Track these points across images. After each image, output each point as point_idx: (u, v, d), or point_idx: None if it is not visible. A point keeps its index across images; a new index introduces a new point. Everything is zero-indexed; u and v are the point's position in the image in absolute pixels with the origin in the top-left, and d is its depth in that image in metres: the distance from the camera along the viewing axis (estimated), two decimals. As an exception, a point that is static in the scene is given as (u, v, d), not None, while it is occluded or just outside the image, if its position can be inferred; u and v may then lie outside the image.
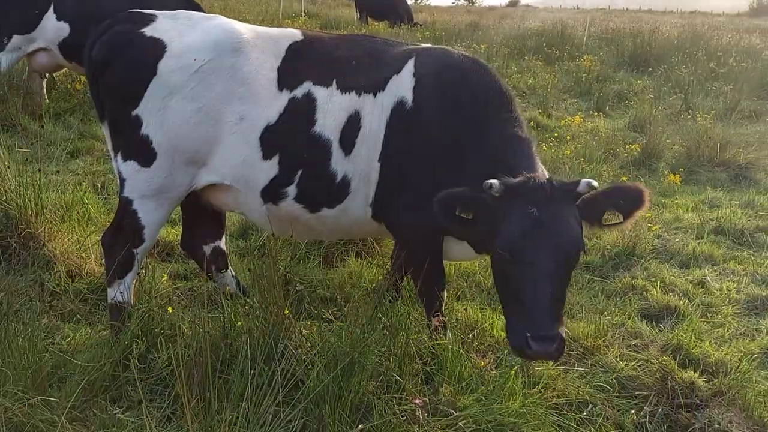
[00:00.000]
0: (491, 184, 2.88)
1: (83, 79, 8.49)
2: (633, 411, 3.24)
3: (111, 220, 3.65)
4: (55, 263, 4.08)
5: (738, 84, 11.88)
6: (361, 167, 3.37)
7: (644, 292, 4.53)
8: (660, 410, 3.27)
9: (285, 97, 3.33)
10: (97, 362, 3.07)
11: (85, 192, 5.08)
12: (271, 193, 3.40)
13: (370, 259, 4.72)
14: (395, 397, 2.93)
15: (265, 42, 3.41)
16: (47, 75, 8.48)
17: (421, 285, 3.55)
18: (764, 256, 5.32)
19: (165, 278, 3.95)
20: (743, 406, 3.31)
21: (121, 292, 3.47)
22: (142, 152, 3.32)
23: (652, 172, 7.56)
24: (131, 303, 3.49)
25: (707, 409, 3.25)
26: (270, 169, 3.35)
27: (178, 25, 3.38)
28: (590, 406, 3.26)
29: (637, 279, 4.76)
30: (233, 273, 4.12)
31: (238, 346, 3.08)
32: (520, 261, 2.81)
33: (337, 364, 2.86)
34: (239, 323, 3.24)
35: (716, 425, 3.15)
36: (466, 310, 4.03)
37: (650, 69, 14.42)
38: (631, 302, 4.40)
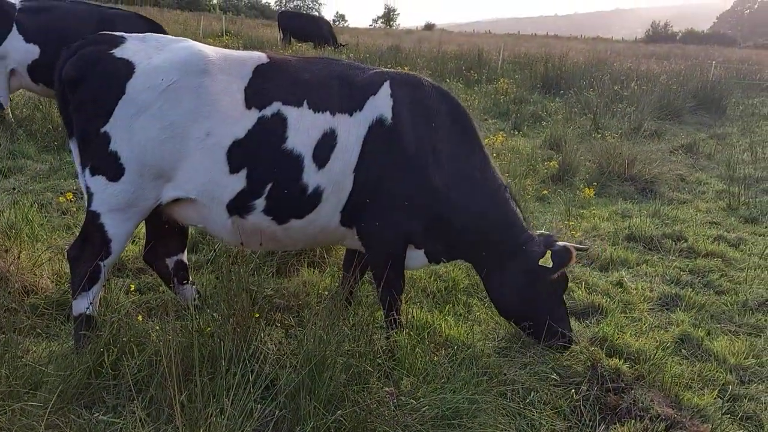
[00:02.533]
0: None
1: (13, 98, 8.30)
2: (572, 393, 3.62)
3: (78, 234, 3.68)
4: (9, 280, 4.06)
5: (640, 106, 12.94)
6: (334, 178, 3.56)
7: (571, 293, 4.98)
8: (591, 394, 3.64)
9: (254, 115, 3.46)
10: (69, 371, 3.14)
11: (29, 210, 5.04)
12: (238, 206, 3.52)
13: (323, 268, 4.94)
14: (364, 387, 3.18)
15: (232, 64, 3.53)
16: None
17: (383, 288, 3.83)
18: (671, 259, 5.95)
19: (132, 288, 4.03)
20: (661, 386, 3.76)
21: (87, 304, 3.52)
22: (111, 167, 3.40)
23: (570, 186, 8.20)
24: (96, 315, 3.55)
25: (632, 391, 3.67)
26: (237, 182, 3.47)
27: (147, 47, 3.48)
28: (532, 393, 3.61)
29: (565, 281, 5.22)
30: (195, 285, 4.23)
31: (210, 350, 3.23)
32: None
33: (309, 361, 3.08)
34: (208, 329, 3.38)
35: (640, 404, 3.56)
36: (417, 311, 4.31)
37: (561, 91, 15.44)
38: (560, 302, 4.84)
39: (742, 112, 15.47)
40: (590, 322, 4.57)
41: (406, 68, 16.04)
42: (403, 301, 4.00)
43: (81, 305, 3.53)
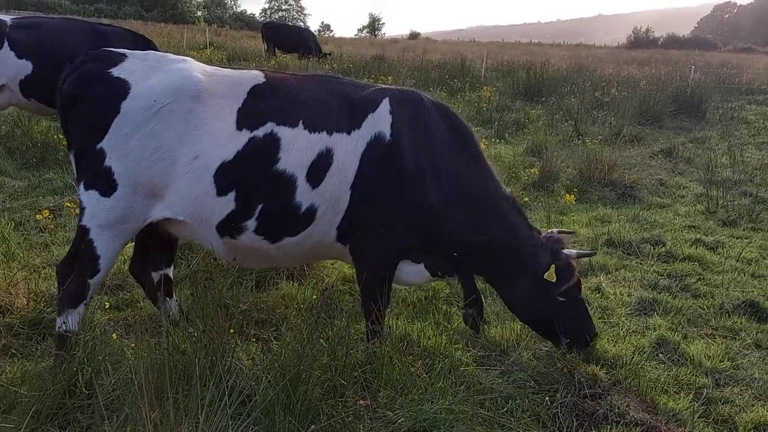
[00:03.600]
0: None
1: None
2: (549, 401, 3.64)
3: (67, 251, 3.70)
4: (-17, 299, 4.03)
5: (621, 111, 13.07)
6: (329, 196, 3.58)
7: (550, 300, 5.01)
8: (569, 400, 3.66)
9: (244, 136, 3.49)
10: (43, 391, 3.12)
11: (5, 228, 5.01)
12: (228, 227, 3.55)
13: (302, 281, 4.94)
14: (340, 401, 3.18)
15: (226, 86, 3.58)
16: None
17: (369, 302, 3.83)
18: (650, 263, 6.01)
19: (107, 306, 4.02)
20: (638, 391, 3.79)
21: (70, 321, 3.52)
22: (104, 183, 3.45)
23: (550, 193, 8.26)
24: (76, 332, 3.53)
25: (608, 397, 3.70)
26: (225, 205, 3.49)
27: (144, 67, 3.55)
28: (510, 401, 3.63)
29: (543, 288, 5.25)
30: (177, 300, 4.22)
31: (184, 367, 3.23)
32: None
33: (284, 376, 3.08)
34: (184, 345, 3.38)
35: (616, 410, 3.58)
36: (395, 322, 4.33)
37: (543, 99, 15.56)
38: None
39: (722, 115, 15.64)
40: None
41: (389, 78, 16.16)
42: (386, 315, 4.01)
43: (66, 324, 3.53)
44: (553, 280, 3.78)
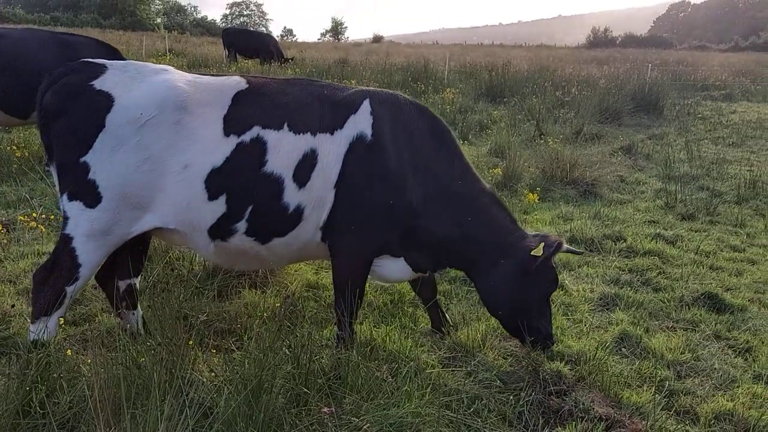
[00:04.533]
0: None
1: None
2: (515, 399, 3.65)
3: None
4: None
5: (581, 110, 13.29)
6: (315, 196, 3.65)
7: (515, 299, 5.04)
8: (534, 398, 3.68)
9: (232, 141, 3.52)
10: (-6, 413, 3.00)
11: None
12: (219, 230, 3.59)
13: (265, 289, 4.88)
14: (304, 409, 3.14)
15: (210, 94, 3.59)
16: None
17: (343, 298, 3.85)
18: (611, 259, 6.10)
19: (62, 322, 3.88)
20: (602, 386, 3.82)
21: (44, 330, 3.47)
22: (89, 194, 3.41)
23: (514, 193, 8.33)
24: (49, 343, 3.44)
25: (573, 393, 3.73)
26: (216, 208, 3.53)
27: (126, 78, 3.50)
28: (477, 401, 3.63)
29: (508, 287, 5.28)
30: (140, 312, 4.12)
31: (142, 381, 3.14)
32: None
33: (245, 386, 3.02)
34: (142, 359, 3.30)
35: (581, 405, 3.61)
36: (360, 327, 4.29)
37: (505, 99, 15.74)
38: (504, 308, 4.89)
39: (678, 112, 16.04)
40: (533, 327, 4.62)
41: (353, 81, 16.13)
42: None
43: (39, 332, 3.48)
44: (540, 254, 3.79)
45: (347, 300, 3.84)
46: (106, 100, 3.40)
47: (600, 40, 72.13)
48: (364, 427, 3.10)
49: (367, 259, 3.93)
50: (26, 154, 8.14)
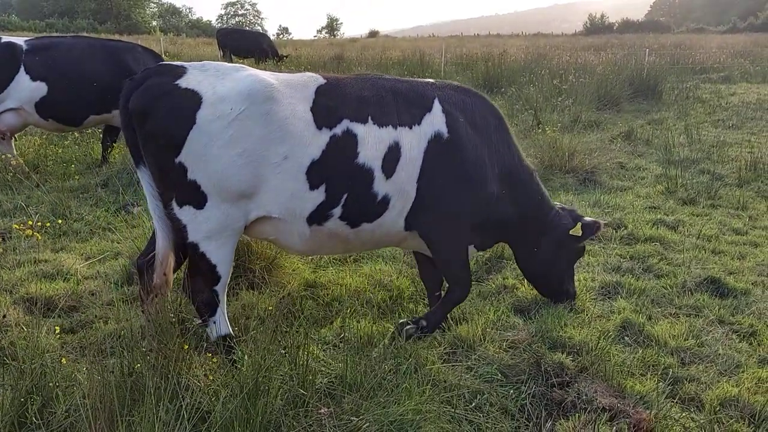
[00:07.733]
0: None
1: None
2: (517, 392, 3.61)
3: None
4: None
5: (579, 98, 13.19)
6: (400, 187, 3.86)
7: (514, 290, 5.01)
8: (537, 391, 3.65)
9: (326, 134, 3.63)
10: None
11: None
12: (317, 216, 3.74)
13: (263, 289, 4.84)
14: (301, 411, 3.10)
15: (293, 88, 3.66)
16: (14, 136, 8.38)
17: (454, 286, 4.31)
18: (612, 247, 6.04)
19: (58, 330, 3.86)
20: (605, 376, 3.78)
21: (219, 327, 3.73)
22: (194, 196, 3.47)
23: (513, 183, 8.24)
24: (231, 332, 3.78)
25: (576, 384, 3.69)
26: (317, 197, 3.67)
27: (209, 77, 3.53)
28: (478, 396, 3.58)
29: (508, 279, 5.25)
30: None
31: (139, 387, 3.11)
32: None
33: (242, 389, 2.98)
34: (137, 365, 3.26)
35: (584, 396, 3.57)
36: (357, 324, 4.25)
37: (503, 89, 15.64)
38: (504, 300, 4.86)
39: (677, 96, 15.92)
40: (534, 317, 4.57)
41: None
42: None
43: (214, 330, 3.73)
44: (579, 234, 4.48)
45: (458, 290, 4.28)
46: (193, 98, 3.41)
47: (597, 27, 71.76)
48: (364, 426, 3.06)
49: (462, 249, 4.28)
50: (22, 162, 8.11)
